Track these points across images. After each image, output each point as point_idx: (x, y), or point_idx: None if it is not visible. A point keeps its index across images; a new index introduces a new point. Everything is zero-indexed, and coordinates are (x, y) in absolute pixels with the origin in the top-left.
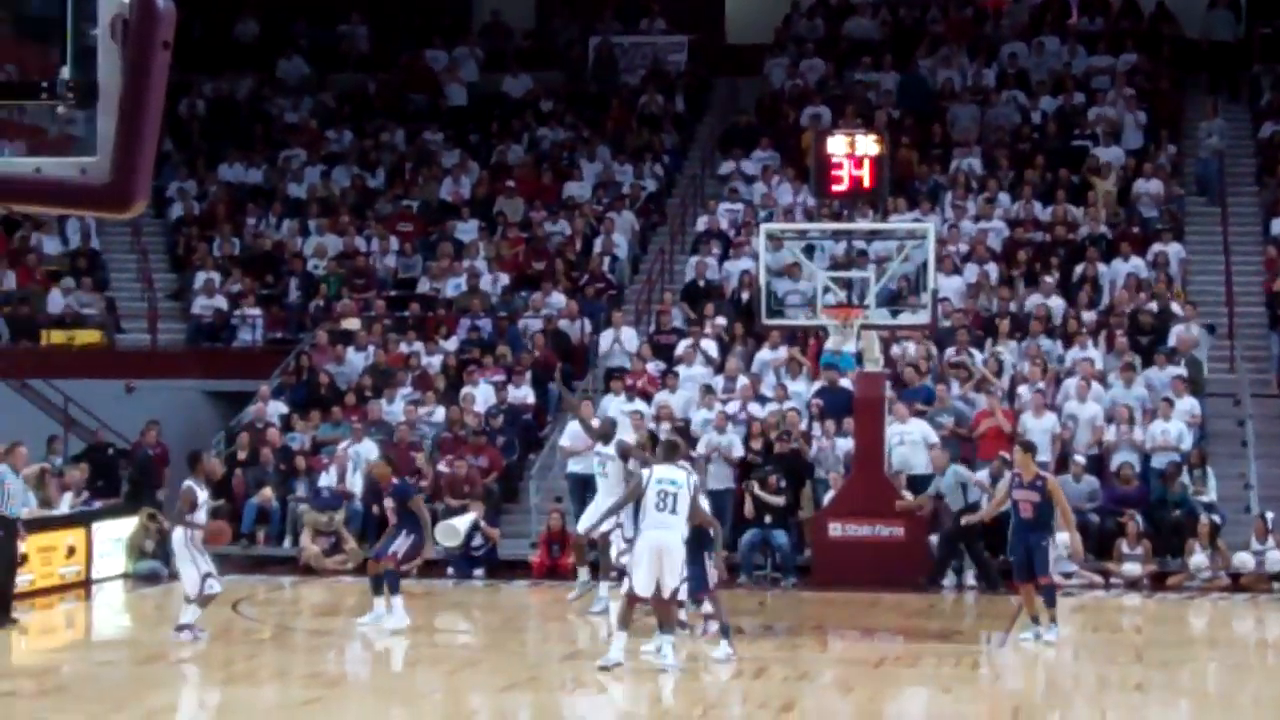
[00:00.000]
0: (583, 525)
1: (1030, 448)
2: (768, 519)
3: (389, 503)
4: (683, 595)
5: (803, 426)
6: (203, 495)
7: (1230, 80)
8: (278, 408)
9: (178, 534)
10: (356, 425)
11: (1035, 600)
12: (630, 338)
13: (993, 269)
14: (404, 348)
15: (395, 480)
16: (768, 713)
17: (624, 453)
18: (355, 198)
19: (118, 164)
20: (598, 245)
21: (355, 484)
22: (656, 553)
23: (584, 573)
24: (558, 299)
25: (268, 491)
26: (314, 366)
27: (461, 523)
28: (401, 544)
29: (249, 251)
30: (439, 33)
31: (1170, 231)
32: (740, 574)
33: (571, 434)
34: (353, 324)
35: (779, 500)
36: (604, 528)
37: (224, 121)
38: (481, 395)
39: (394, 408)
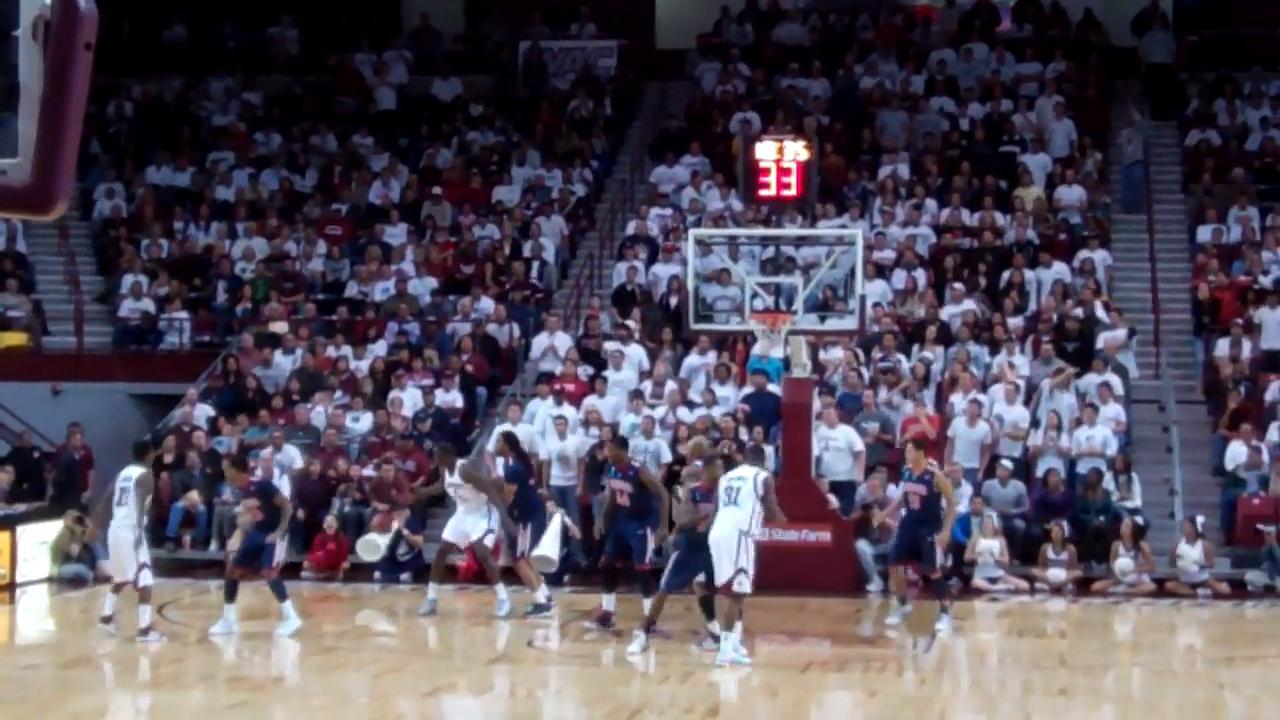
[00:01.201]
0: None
1: (920, 444)
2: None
3: (251, 502)
4: (738, 587)
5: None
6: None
7: (1164, 102)
8: (205, 411)
9: (128, 521)
10: (276, 433)
11: (904, 582)
12: (561, 342)
13: (920, 275)
14: (332, 351)
15: (254, 478)
16: (694, 716)
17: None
18: (283, 201)
19: (39, 165)
20: (527, 250)
21: (281, 488)
22: (713, 544)
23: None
24: (486, 303)
25: (194, 495)
26: (241, 370)
27: (382, 535)
28: (280, 552)
29: (177, 254)
30: (368, 36)
31: (1097, 238)
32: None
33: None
34: (280, 327)
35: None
36: (474, 536)
37: (152, 124)
38: (409, 399)
39: (321, 412)
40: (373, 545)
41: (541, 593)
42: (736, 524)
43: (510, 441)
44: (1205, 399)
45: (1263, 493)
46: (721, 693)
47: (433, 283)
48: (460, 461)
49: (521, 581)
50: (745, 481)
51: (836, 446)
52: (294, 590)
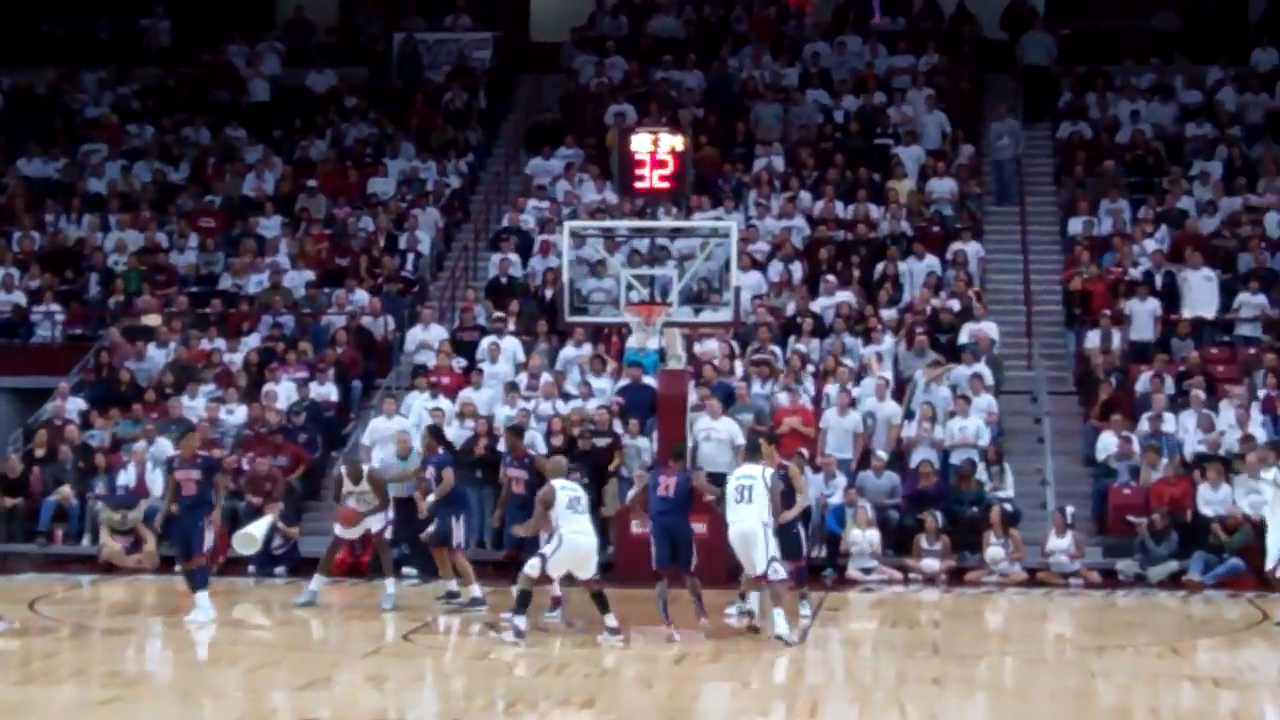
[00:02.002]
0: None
1: (773, 439)
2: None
3: (193, 474)
4: (773, 575)
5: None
6: None
7: (1040, 103)
8: (77, 405)
9: None
10: (149, 426)
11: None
12: (437, 335)
13: (795, 267)
14: (205, 344)
15: (202, 453)
16: (569, 709)
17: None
18: (156, 193)
19: None
20: (401, 242)
21: (154, 482)
22: (741, 539)
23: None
24: (361, 296)
25: (66, 489)
26: (114, 363)
27: (258, 528)
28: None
29: (48, 247)
30: (241, 27)
31: (969, 230)
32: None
33: (373, 430)
34: (153, 320)
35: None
36: (375, 528)
37: (24, 115)
38: (284, 392)
39: (195, 404)
40: (250, 539)
41: (475, 589)
42: (758, 518)
43: (436, 435)
44: (1076, 390)
45: (1133, 483)
46: (596, 684)
47: (307, 275)
48: (369, 468)
49: (458, 573)
50: (755, 479)
51: (718, 438)
52: (167, 585)
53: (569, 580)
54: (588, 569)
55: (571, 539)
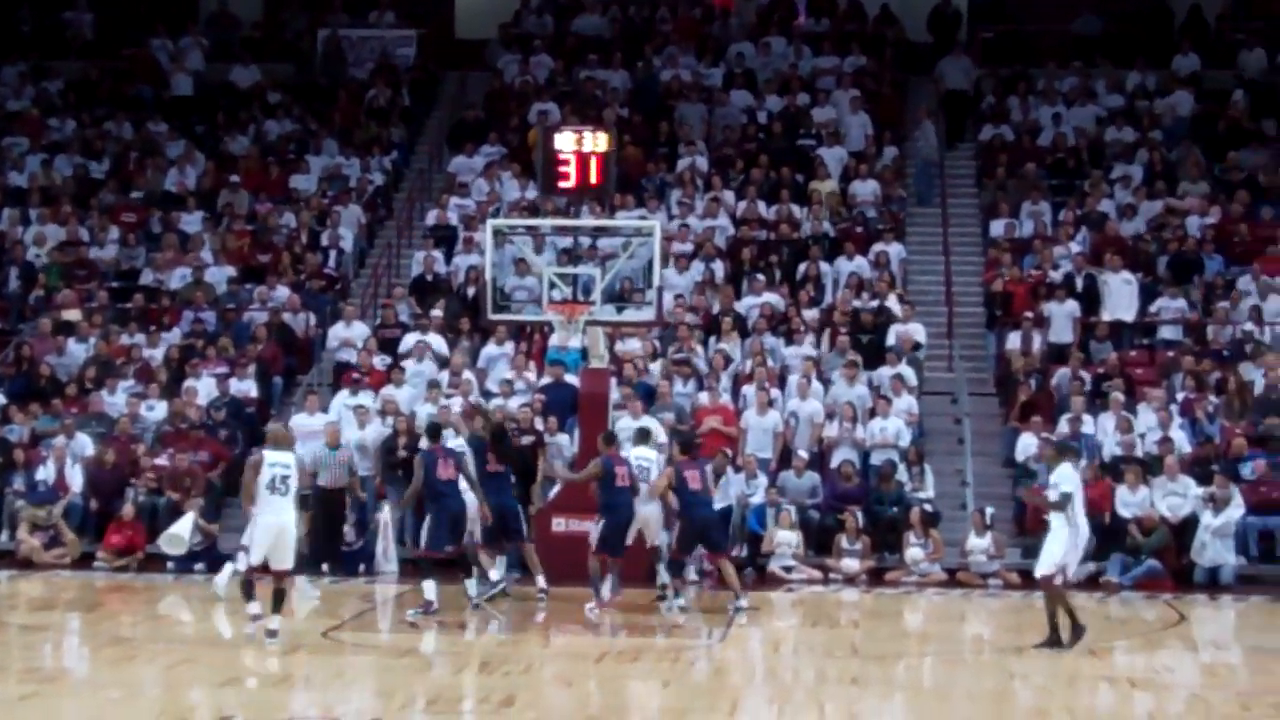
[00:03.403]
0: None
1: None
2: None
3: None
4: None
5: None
6: None
7: (960, 125)
8: None
9: None
10: (69, 421)
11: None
12: (359, 332)
13: (718, 266)
14: (126, 339)
15: None
16: (489, 706)
17: None
18: (77, 188)
19: None
20: (324, 239)
21: (74, 477)
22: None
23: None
24: (283, 292)
25: None
26: (34, 357)
27: (182, 528)
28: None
29: None
30: (164, 22)
31: (891, 231)
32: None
33: (295, 427)
34: (74, 315)
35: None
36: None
37: None
38: (204, 388)
39: (115, 400)
40: (176, 539)
41: (495, 572)
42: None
43: (432, 432)
44: (996, 391)
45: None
46: (516, 683)
47: (229, 271)
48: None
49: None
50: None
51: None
52: (85, 580)
53: (264, 569)
54: (284, 555)
55: (265, 521)
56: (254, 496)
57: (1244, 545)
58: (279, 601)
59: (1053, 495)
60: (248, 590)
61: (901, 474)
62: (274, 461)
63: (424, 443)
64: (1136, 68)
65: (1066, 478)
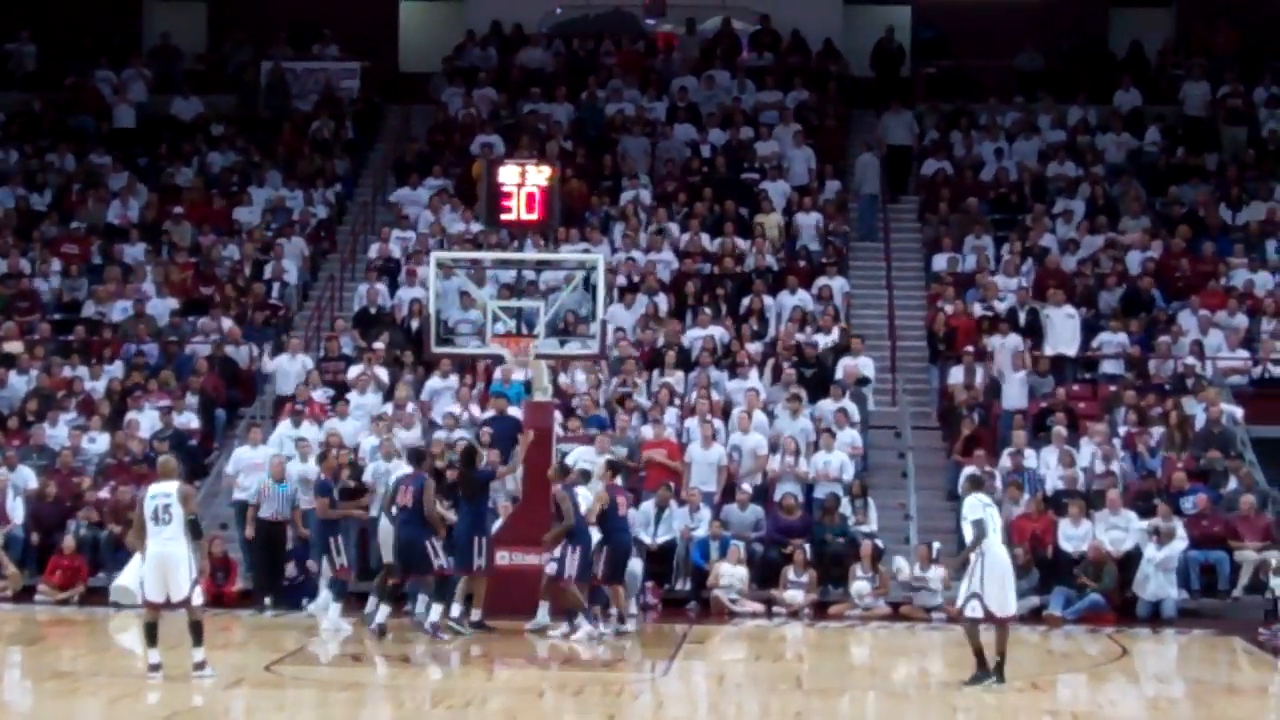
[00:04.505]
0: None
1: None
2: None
3: None
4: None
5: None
6: None
7: (902, 179)
8: None
9: None
10: (10, 454)
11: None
12: (302, 364)
13: (662, 300)
14: (68, 371)
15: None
16: None
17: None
18: (19, 219)
19: None
20: (267, 271)
21: (15, 510)
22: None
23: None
24: (226, 324)
25: None
26: None
27: (130, 578)
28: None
29: None
30: (107, 53)
31: (834, 265)
32: (409, 603)
33: (237, 460)
34: (15, 347)
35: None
36: None
37: None
38: (147, 420)
39: (57, 432)
40: (125, 592)
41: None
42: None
43: (467, 458)
44: (940, 425)
45: None
46: (459, 716)
47: (172, 303)
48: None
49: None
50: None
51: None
52: (28, 615)
53: (167, 604)
54: (176, 585)
55: (150, 552)
56: (142, 531)
57: (1185, 579)
58: (197, 635)
59: (968, 532)
60: (150, 634)
61: (845, 507)
62: (155, 493)
63: (405, 469)
64: (1078, 103)
65: (973, 507)
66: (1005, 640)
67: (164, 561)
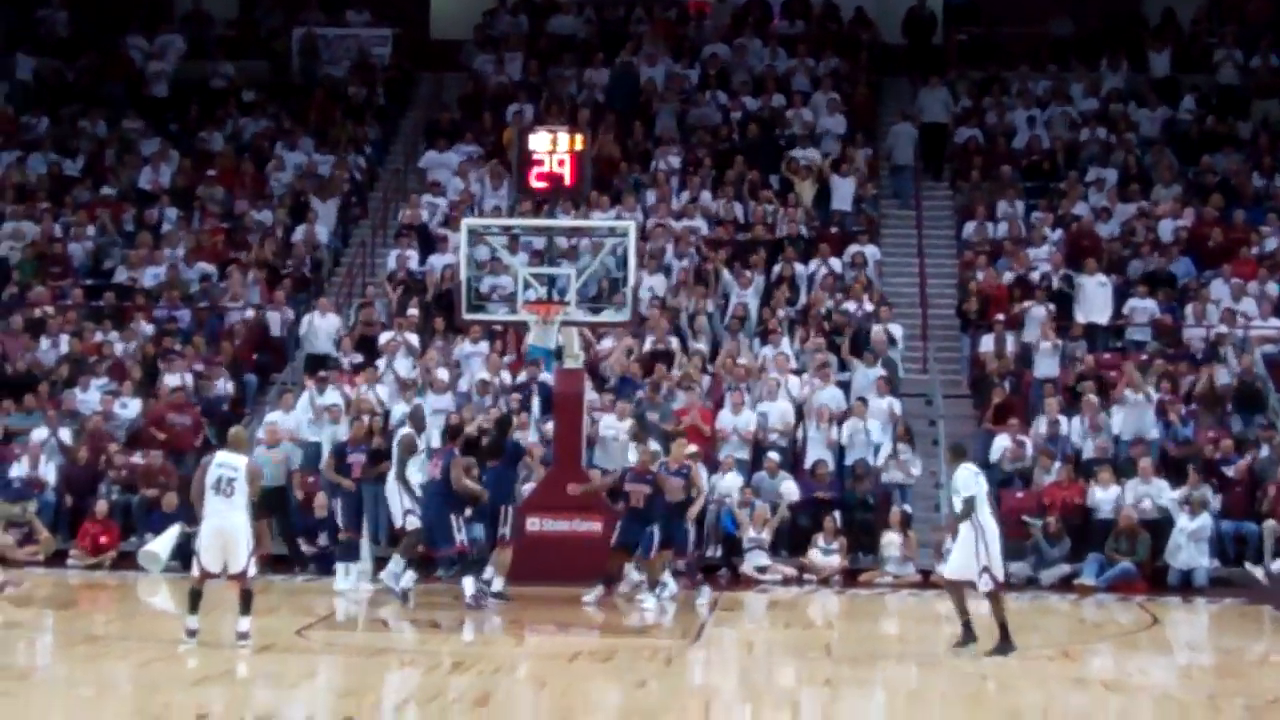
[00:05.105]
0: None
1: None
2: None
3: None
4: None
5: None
6: None
7: (938, 159)
8: None
9: None
10: (51, 414)
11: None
12: (332, 330)
13: (693, 267)
14: (99, 336)
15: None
16: (463, 706)
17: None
18: (51, 185)
19: None
20: (299, 236)
21: (48, 474)
22: None
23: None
24: (257, 289)
25: None
26: (7, 354)
27: (162, 545)
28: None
29: None
30: (140, 20)
31: (866, 233)
32: (439, 568)
33: (271, 425)
34: (47, 311)
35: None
36: None
37: None
38: (177, 385)
39: (88, 397)
40: (153, 558)
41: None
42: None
43: (501, 426)
44: (971, 393)
45: (1026, 487)
46: (490, 682)
47: (203, 268)
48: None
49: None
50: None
51: (621, 439)
52: (59, 579)
53: (221, 574)
54: (233, 558)
55: (207, 525)
56: (201, 498)
57: (1218, 548)
58: (246, 604)
59: (956, 504)
60: (193, 600)
61: (886, 450)
62: (221, 462)
63: (435, 442)
64: (1110, 70)
65: (966, 483)
66: (965, 603)
67: (224, 534)
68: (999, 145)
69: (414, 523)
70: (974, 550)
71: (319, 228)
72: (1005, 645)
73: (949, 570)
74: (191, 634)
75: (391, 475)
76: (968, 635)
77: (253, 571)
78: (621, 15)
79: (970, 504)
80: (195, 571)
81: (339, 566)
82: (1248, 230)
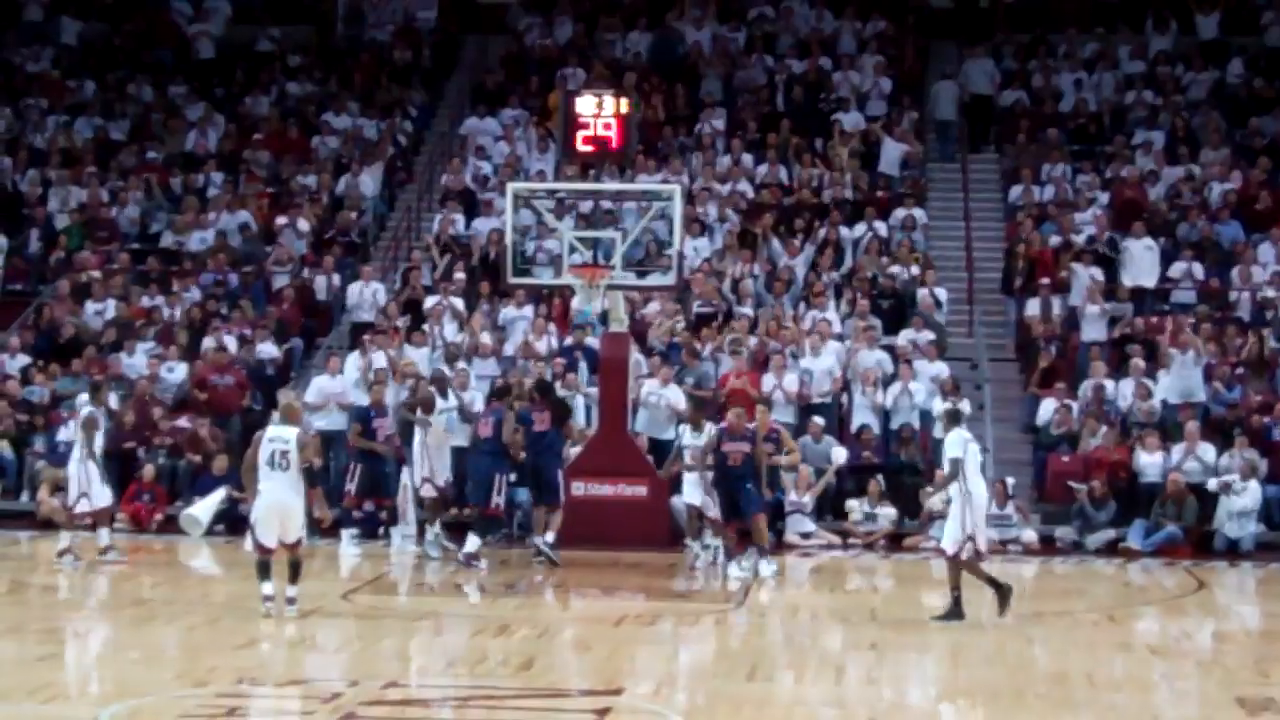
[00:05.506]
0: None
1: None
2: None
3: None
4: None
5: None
6: None
7: (985, 130)
8: (17, 360)
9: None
10: (98, 377)
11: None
12: (378, 293)
13: (738, 230)
14: (146, 301)
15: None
16: (508, 669)
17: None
18: (97, 150)
19: None
20: (344, 200)
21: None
22: None
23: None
24: (303, 253)
25: (4, 444)
26: (54, 319)
27: (204, 509)
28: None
29: None
30: None
31: (912, 197)
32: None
33: (316, 389)
34: (94, 276)
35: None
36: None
37: None
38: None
39: (135, 361)
40: (193, 521)
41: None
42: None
43: (542, 389)
44: (1017, 357)
45: (1072, 451)
46: (534, 646)
47: (242, 216)
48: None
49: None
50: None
51: (664, 404)
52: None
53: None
54: (289, 530)
55: (263, 499)
56: (253, 472)
57: (1265, 513)
58: (295, 572)
59: (946, 467)
60: (263, 570)
61: (936, 408)
62: (274, 436)
63: (479, 405)
64: (1158, 32)
65: (954, 445)
66: (981, 573)
67: (280, 510)
68: (1046, 108)
69: (430, 491)
70: (963, 517)
71: (364, 192)
72: (956, 611)
73: (946, 544)
74: (269, 599)
75: (418, 440)
76: (956, 609)
77: (305, 542)
78: None
79: (956, 466)
80: (249, 546)
81: (344, 533)
82: None
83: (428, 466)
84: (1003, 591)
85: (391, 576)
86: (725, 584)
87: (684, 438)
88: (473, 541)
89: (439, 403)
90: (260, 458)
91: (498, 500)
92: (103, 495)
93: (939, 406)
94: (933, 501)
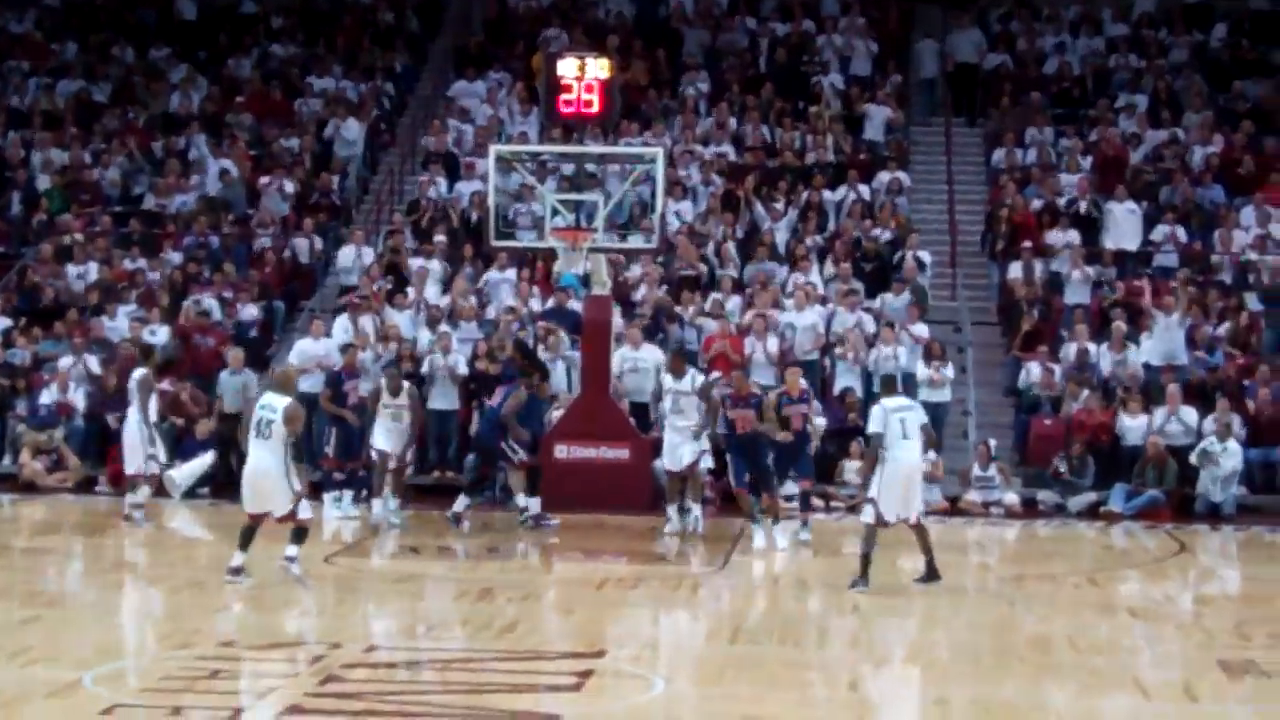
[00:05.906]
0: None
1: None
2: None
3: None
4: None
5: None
6: None
7: (970, 101)
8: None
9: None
10: (78, 341)
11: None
12: (366, 257)
13: (721, 193)
14: (128, 263)
15: None
16: (490, 633)
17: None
18: (80, 111)
19: None
20: (331, 152)
21: (77, 401)
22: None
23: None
24: (285, 216)
25: None
26: (36, 282)
27: (185, 474)
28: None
29: None
30: None
31: (895, 160)
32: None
33: (299, 352)
34: (76, 239)
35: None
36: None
37: None
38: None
39: (117, 324)
40: (172, 482)
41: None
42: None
43: (522, 350)
44: (999, 320)
45: (1055, 414)
46: (518, 609)
47: (223, 164)
48: (407, 384)
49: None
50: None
51: (644, 367)
52: (89, 505)
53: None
54: (265, 501)
55: (247, 464)
56: (247, 437)
57: (1246, 476)
58: (298, 536)
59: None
60: (244, 537)
61: (920, 373)
62: (263, 404)
63: (463, 369)
64: None
65: (874, 418)
66: (926, 540)
67: (255, 477)
68: (1029, 71)
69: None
70: (879, 486)
71: (347, 154)
72: (863, 580)
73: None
74: (234, 571)
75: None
76: (931, 572)
77: (303, 514)
78: None
79: (878, 440)
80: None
81: (326, 496)
82: (1278, 158)
83: (388, 442)
84: (865, 574)
85: (372, 540)
86: (772, 550)
87: (665, 382)
88: (461, 501)
89: (384, 398)
90: (250, 424)
91: (520, 457)
92: (159, 456)
93: (922, 371)
94: (851, 475)
